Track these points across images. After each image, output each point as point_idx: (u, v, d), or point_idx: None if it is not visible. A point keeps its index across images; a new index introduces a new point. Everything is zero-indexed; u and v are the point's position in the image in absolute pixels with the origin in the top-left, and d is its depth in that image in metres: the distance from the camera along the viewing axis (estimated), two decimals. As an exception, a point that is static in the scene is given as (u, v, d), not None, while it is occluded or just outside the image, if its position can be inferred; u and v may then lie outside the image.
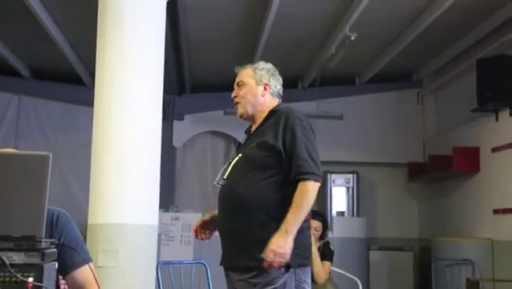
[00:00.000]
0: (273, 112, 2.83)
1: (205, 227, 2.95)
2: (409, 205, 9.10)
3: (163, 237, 7.59)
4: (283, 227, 2.55)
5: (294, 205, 2.59)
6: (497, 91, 6.57)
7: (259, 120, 2.86)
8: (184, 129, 8.93)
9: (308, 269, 2.74)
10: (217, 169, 8.63)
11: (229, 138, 9.01)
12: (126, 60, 4.49)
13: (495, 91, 6.57)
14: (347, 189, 8.65)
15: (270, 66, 2.96)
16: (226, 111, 7.91)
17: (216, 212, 2.88)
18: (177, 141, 8.95)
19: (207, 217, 2.95)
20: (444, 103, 8.65)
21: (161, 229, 7.29)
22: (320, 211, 5.72)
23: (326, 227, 4.93)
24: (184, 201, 8.67)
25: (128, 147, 4.40)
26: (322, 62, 7.53)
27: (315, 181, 2.64)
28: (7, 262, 1.56)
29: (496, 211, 6.80)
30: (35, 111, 8.57)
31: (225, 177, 2.81)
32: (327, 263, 4.72)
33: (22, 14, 6.11)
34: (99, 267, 3.97)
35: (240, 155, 2.82)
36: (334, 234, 7.65)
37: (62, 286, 2.16)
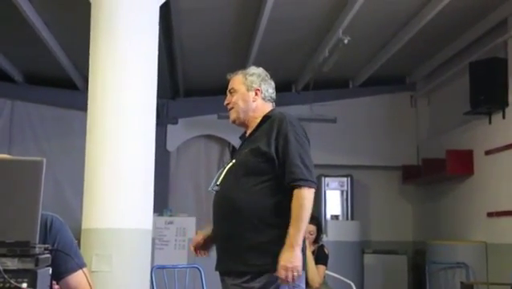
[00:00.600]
0: (266, 118, 2.83)
1: (202, 246, 2.94)
2: (403, 209, 9.12)
3: (157, 241, 7.57)
4: (288, 242, 2.57)
5: (293, 216, 2.60)
6: (490, 94, 6.60)
7: (253, 126, 2.87)
8: (178, 133, 8.93)
9: (302, 273, 2.74)
10: (211, 173, 8.65)
11: (223, 142, 9.01)
12: (119, 64, 4.48)
13: (488, 94, 6.60)
14: (342, 192, 8.67)
15: (260, 70, 2.96)
16: (220, 115, 7.90)
17: (207, 230, 2.90)
18: (171, 145, 8.95)
19: (200, 238, 2.94)
20: (438, 106, 8.68)
21: (155, 233, 7.27)
22: (314, 215, 5.71)
23: (320, 231, 4.93)
24: (178, 205, 8.66)
25: (122, 151, 4.39)
26: (315, 65, 7.54)
27: (309, 187, 2.64)
28: (1, 268, 1.55)
29: (490, 214, 6.82)
30: (28, 117, 8.55)
31: (218, 183, 2.81)
32: (322, 267, 4.72)
33: (15, 19, 6.10)
34: (92, 272, 3.95)
35: (234, 161, 2.83)
36: (328, 238, 7.64)
37: (56, 292, 2.16)
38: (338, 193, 8.68)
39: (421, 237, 8.57)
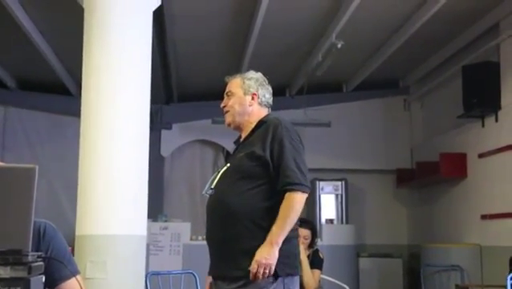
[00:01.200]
0: (262, 122, 2.84)
1: None
2: (398, 212, 9.13)
3: (152, 247, 7.55)
4: (269, 238, 2.59)
5: (280, 216, 2.61)
6: (483, 98, 6.62)
7: (248, 130, 2.88)
8: (172, 138, 8.91)
9: (296, 278, 2.74)
10: (205, 178, 8.61)
11: (217, 147, 9.00)
12: (112, 69, 4.48)
13: (481, 98, 6.63)
14: (336, 196, 8.66)
15: (259, 75, 2.98)
16: (214, 120, 7.90)
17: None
18: (165, 150, 8.93)
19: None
20: (431, 109, 8.70)
21: (150, 239, 7.25)
22: (309, 219, 5.71)
23: (315, 235, 4.91)
24: (172, 211, 8.65)
25: (116, 157, 4.38)
26: (309, 70, 7.56)
27: (303, 192, 2.65)
28: (-7, 277, 1.54)
29: (483, 216, 6.84)
30: (22, 123, 8.52)
31: (212, 187, 2.81)
32: (317, 271, 4.71)
33: (7, 25, 6.08)
34: (87, 279, 3.94)
35: (228, 165, 2.83)
36: (323, 242, 7.64)
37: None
38: (332, 196, 8.67)
39: (416, 240, 8.58)
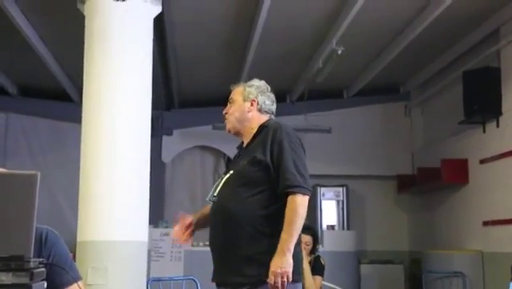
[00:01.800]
0: (262, 128, 2.85)
1: (188, 228, 2.95)
2: (399, 218, 9.12)
3: (153, 253, 7.54)
4: (280, 247, 2.58)
5: (286, 222, 2.60)
6: (484, 103, 6.62)
7: (249, 136, 2.89)
8: (173, 144, 8.92)
9: (299, 285, 2.73)
10: (206, 184, 8.63)
11: (218, 153, 9.00)
12: (113, 76, 4.49)
13: (482, 103, 6.62)
14: (337, 202, 8.65)
15: (262, 83, 3.00)
16: (215, 126, 7.89)
17: (194, 215, 2.97)
18: (166, 156, 8.93)
19: (188, 221, 2.96)
20: (432, 115, 8.70)
21: (151, 245, 7.24)
22: (310, 225, 5.70)
23: (316, 241, 4.91)
24: (173, 217, 8.62)
25: (117, 163, 4.39)
26: (309, 76, 7.56)
27: (303, 194, 2.65)
28: (-5, 283, 1.54)
29: (485, 223, 6.82)
30: (23, 129, 8.54)
31: (216, 194, 2.82)
32: (319, 278, 4.70)
33: (9, 32, 6.10)
34: (88, 285, 3.94)
35: (232, 172, 2.84)
36: (324, 248, 7.62)
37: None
38: (333, 203, 8.67)
39: (417, 246, 8.57)
